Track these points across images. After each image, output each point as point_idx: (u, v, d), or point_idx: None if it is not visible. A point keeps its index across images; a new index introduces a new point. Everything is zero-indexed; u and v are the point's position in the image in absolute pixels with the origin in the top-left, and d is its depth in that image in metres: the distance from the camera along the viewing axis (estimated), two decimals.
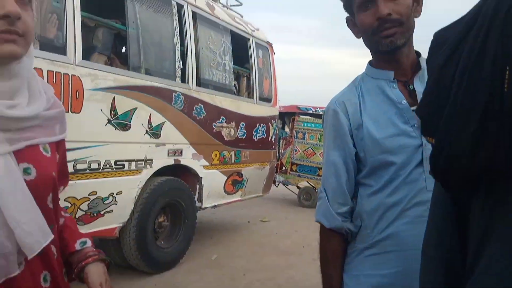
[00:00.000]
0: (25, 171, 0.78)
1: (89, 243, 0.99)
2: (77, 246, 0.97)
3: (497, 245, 0.52)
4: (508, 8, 0.48)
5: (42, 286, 0.82)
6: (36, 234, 0.77)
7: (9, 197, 0.73)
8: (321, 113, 7.78)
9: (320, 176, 7.28)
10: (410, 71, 1.12)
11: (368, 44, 1.15)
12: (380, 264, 1.09)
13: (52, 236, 0.82)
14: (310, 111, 7.87)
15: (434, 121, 0.56)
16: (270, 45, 5.35)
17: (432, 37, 0.62)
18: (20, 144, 0.78)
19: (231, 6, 5.09)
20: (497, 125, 0.48)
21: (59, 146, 0.92)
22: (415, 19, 1.09)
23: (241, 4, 5.30)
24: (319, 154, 7.44)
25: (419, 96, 1.07)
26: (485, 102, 0.49)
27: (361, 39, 1.16)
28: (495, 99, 0.48)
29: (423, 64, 1.12)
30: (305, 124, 7.66)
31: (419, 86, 1.10)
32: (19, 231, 0.74)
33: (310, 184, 7.65)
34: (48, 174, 0.83)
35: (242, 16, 5.08)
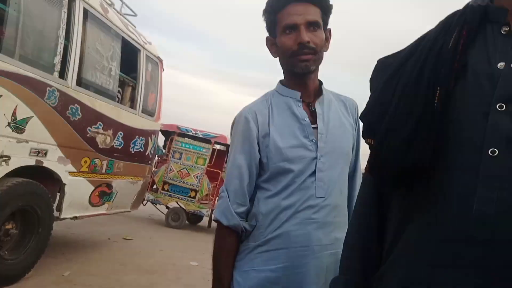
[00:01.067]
0: None
1: None
2: None
3: (409, 233, 0.64)
4: (439, 47, 0.65)
5: None
6: None
7: None
8: (201, 136, 7.90)
9: (191, 197, 7.35)
10: (313, 95, 1.31)
11: (284, 64, 1.30)
12: (270, 260, 1.20)
13: None
14: (190, 133, 7.92)
15: (375, 125, 0.68)
16: (161, 61, 5.31)
17: (376, 62, 0.77)
18: None
19: (125, 14, 4.94)
20: (427, 131, 0.61)
21: None
22: (324, 53, 1.29)
23: (135, 15, 5.19)
24: (193, 176, 7.48)
25: (319, 117, 1.27)
26: (420, 112, 0.62)
27: (277, 59, 1.31)
28: (427, 111, 0.62)
29: (324, 91, 1.33)
30: (183, 145, 7.66)
31: (319, 108, 1.29)
32: None
33: (180, 205, 7.58)
34: None
35: (135, 27, 4.97)
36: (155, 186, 7.55)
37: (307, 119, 1.26)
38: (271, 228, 1.21)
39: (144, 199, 6.69)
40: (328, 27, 1.31)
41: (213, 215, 1.30)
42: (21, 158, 3.04)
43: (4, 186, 2.92)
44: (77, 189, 3.78)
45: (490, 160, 0.58)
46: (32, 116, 3.06)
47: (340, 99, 1.38)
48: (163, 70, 5.40)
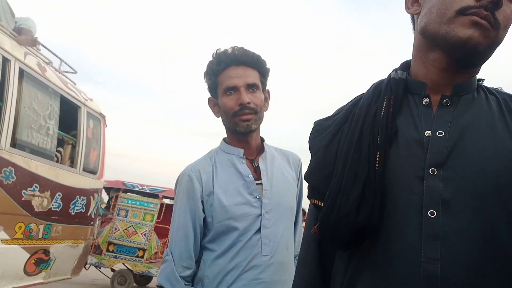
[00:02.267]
0: None
1: None
2: None
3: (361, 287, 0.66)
4: (374, 114, 0.71)
5: None
6: None
7: None
8: (148, 191, 7.67)
9: (139, 257, 6.99)
10: (255, 152, 1.35)
11: (226, 123, 1.34)
12: None
13: None
14: (137, 188, 7.68)
15: (321, 188, 0.71)
16: (103, 117, 5.23)
17: (312, 125, 0.81)
18: None
19: (64, 71, 4.89)
20: (372, 192, 0.65)
21: None
22: (264, 112, 1.35)
23: (75, 72, 5.15)
24: (141, 234, 7.15)
25: (263, 173, 1.30)
26: (365, 175, 0.66)
27: (220, 118, 1.35)
28: (371, 174, 0.66)
29: (267, 148, 1.38)
30: (130, 201, 7.38)
31: (263, 164, 1.32)
32: None
33: (127, 267, 7.14)
34: None
35: (75, 84, 4.91)
36: (99, 248, 7.10)
37: (251, 175, 1.28)
38: None
39: (86, 263, 6.25)
40: (267, 88, 1.38)
41: (157, 280, 1.22)
42: None
43: None
44: (10, 258, 3.47)
45: (430, 220, 0.62)
46: None
47: (284, 154, 1.42)
48: (106, 126, 5.31)
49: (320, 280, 0.78)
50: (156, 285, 1.24)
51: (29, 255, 3.74)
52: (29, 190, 3.64)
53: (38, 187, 3.76)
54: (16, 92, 3.47)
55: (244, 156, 1.32)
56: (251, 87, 1.29)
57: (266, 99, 1.38)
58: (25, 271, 3.74)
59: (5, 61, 3.37)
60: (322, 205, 0.71)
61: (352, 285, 0.68)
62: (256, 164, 1.32)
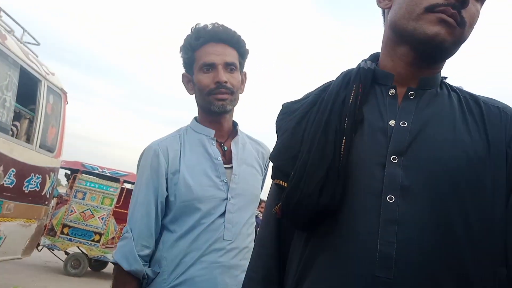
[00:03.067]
0: None
1: None
2: None
3: (316, 271, 0.68)
4: (342, 101, 0.73)
5: None
6: None
7: None
8: (108, 174, 7.46)
9: (95, 241, 6.81)
10: (226, 135, 1.32)
11: (200, 101, 1.30)
12: None
13: None
14: (96, 171, 7.44)
15: (286, 168, 0.72)
16: (65, 93, 5.02)
17: (281, 107, 0.83)
18: None
19: (26, 42, 4.64)
20: (336, 175, 0.68)
21: None
22: (240, 95, 1.32)
23: (38, 44, 4.90)
24: (98, 218, 6.96)
25: (234, 157, 1.27)
26: (330, 159, 0.68)
27: (193, 96, 1.31)
28: (335, 157, 0.69)
29: (239, 133, 1.35)
30: (88, 184, 7.14)
31: (234, 148, 1.29)
32: None
33: (82, 250, 6.93)
34: None
35: (37, 56, 4.67)
36: (52, 230, 6.84)
37: (220, 158, 1.25)
38: (175, 274, 1.15)
39: (39, 244, 6.00)
40: (244, 70, 1.35)
41: (112, 257, 1.18)
42: None
43: None
44: None
45: (388, 205, 0.65)
46: None
47: (255, 142, 1.40)
48: (67, 103, 5.09)
49: (277, 260, 0.79)
50: (111, 262, 1.19)
51: None
52: None
53: None
54: None
55: (215, 138, 1.29)
56: (229, 65, 1.26)
57: (243, 81, 1.35)
58: None
59: None
60: (286, 185, 0.72)
61: (309, 265, 0.70)
62: (225, 148, 1.30)
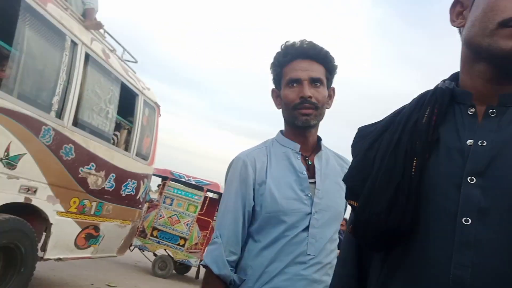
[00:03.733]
0: None
1: None
2: None
3: None
4: (414, 122, 0.73)
5: None
6: None
7: None
8: (193, 182, 7.87)
9: (180, 245, 7.17)
10: (311, 149, 1.33)
11: (286, 115, 1.34)
12: None
13: None
14: (183, 179, 7.90)
15: (357, 189, 0.74)
16: (158, 106, 5.45)
17: (357, 130, 0.85)
18: None
19: (126, 60, 5.14)
20: (405, 198, 0.67)
21: None
22: (326, 110, 1.34)
23: (136, 61, 5.40)
24: (184, 223, 7.36)
25: (317, 172, 1.28)
26: (398, 180, 0.68)
27: (274, 110, 1.37)
28: (405, 179, 0.68)
29: (323, 148, 1.35)
30: (176, 191, 7.61)
31: (318, 163, 1.30)
32: None
33: (168, 253, 7.37)
34: None
35: (135, 72, 5.15)
36: (143, 232, 7.39)
37: (305, 172, 1.26)
38: (259, 283, 1.18)
39: (131, 245, 6.53)
40: (332, 85, 1.36)
41: (203, 260, 1.23)
42: (10, 194, 3.02)
43: None
44: (63, 229, 3.71)
45: (464, 228, 0.63)
46: (25, 153, 3.08)
47: (339, 158, 1.40)
48: (160, 115, 5.52)
49: (357, 281, 0.80)
50: (201, 264, 1.25)
51: (80, 229, 3.98)
52: (86, 168, 3.87)
53: (95, 166, 3.99)
54: (81, 74, 3.70)
55: (300, 152, 1.31)
56: (315, 81, 1.28)
57: (330, 96, 1.35)
58: (75, 244, 3.98)
59: (73, 44, 3.60)
60: (357, 205, 0.74)
61: (385, 286, 0.70)
62: (310, 162, 1.31)
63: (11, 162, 2.97)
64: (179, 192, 7.60)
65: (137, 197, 4.95)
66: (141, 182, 4.97)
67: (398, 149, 0.71)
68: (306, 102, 1.26)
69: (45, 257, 3.56)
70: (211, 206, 8.09)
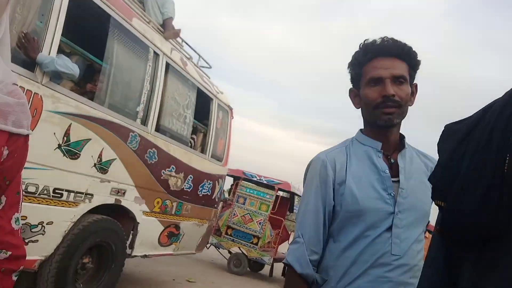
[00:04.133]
0: None
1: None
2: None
3: None
4: (508, 114, 0.68)
5: None
6: None
7: None
8: (265, 182, 7.97)
9: (254, 244, 7.30)
10: (393, 147, 1.29)
11: (366, 115, 1.30)
12: None
13: None
14: (255, 178, 8.03)
15: (445, 189, 0.71)
16: (231, 109, 5.59)
17: (443, 128, 0.81)
18: None
19: (201, 66, 5.34)
20: (498, 194, 0.64)
21: (13, 142, 0.86)
22: (409, 107, 1.28)
23: (210, 67, 5.58)
24: (256, 222, 7.48)
25: (401, 170, 1.24)
26: (490, 177, 0.65)
27: (359, 110, 1.32)
28: (497, 176, 0.65)
29: (407, 146, 1.30)
30: (248, 190, 7.77)
31: (401, 162, 1.26)
32: None
33: (242, 251, 7.55)
34: None
35: (209, 78, 5.33)
36: (219, 230, 7.65)
37: (387, 171, 1.22)
38: (342, 284, 1.16)
39: (208, 242, 6.81)
40: (415, 82, 1.30)
41: (285, 259, 1.23)
42: (102, 197, 3.30)
43: (85, 222, 3.17)
44: (149, 228, 3.97)
45: None
46: (115, 158, 3.35)
47: (424, 156, 1.33)
48: (233, 117, 5.66)
49: (447, 281, 0.76)
50: (283, 263, 1.26)
51: (163, 228, 4.23)
52: (167, 170, 4.10)
53: (175, 168, 4.21)
54: (162, 83, 3.92)
55: (382, 150, 1.26)
56: (397, 79, 1.22)
57: (413, 93, 1.29)
58: (159, 242, 4.24)
59: (156, 55, 3.82)
60: (444, 205, 0.71)
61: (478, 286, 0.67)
62: (392, 161, 1.26)
63: (103, 167, 3.24)
64: (251, 191, 7.75)
65: (213, 197, 5.13)
66: (216, 182, 5.15)
67: (489, 147, 0.67)
68: (389, 101, 1.21)
69: (133, 254, 3.84)
70: (282, 205, 8.13)
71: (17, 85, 0.90)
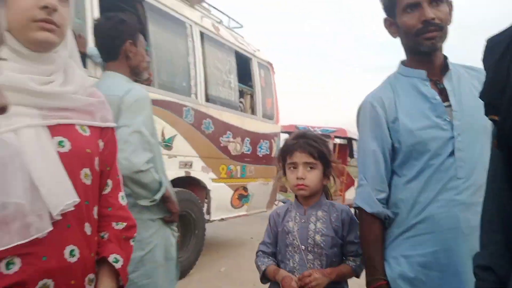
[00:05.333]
0: (60, 144, 0.86)
1: (120, 263, 0.95)
2: (110, 258, 0.94)
3: None
4: None
5: (65, 259, 0.84)
6: (61, 195, 0.82)
7: (38, 162, 0.80)
8: (319, 132, 7.93)
9: None
10: (439, 72, 1.25)
11: (407, 43, 1.26)
12: (418, 245, 1.17)
13: (78, 199, 0.85)
14: None
15: (496, 102, 0.71)
16: (271, 64, 5.55)
17: (485, 42, 0.79)
18: (53, 121, 0.85)
19: (233, 27, 5.31)
20: None
21: (104, 134, 0.99)
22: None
23: (241, 26, 5.53)
24: None
25: (450, 93, 1.20)
26: None
27: (398, 39, 1.28)
28: None
29: (451, 66, 1.25)
30: None
31: (449, 85, 1.22)
32: (45, 191, 0.80)
33: None
34: (82, 149, 0.90)
35: (243, 37, 5.30)
36: (283, 186, 7.82)
37: (437, 97, 1.20)
38: (413, 213, 1.18)
39: (276, 199, 7.01)
40: None
41: (354, 203, 1.27)
42: (173, 171, 3.51)
43: None
44: (220, 194, 4.19)
45: None
46: (176, 134, 3.52)
47: (471, 69, 1.28)
48: (275, 72, 5.63)
49: (509, 193, 0.77)
50: (353, 207, 1.30)
51: (233, 191, 4.43)
52: (224, 137, 4.24)
53: (231, 134, 4.34)
54: (201, 53, 3.98)
55: (428, 78, 1.23)
56: (434, 0, 1.17)
57: (450, 11, 1.23)
58: (232, 205, 4.46)
59: (190, 27, 3.87)
60: (498, 119, 0.70)
61: None
62: (441, 85, 1.22)
63: (168, 144, 3.43)
64: None
65: (272, 155, 5.24)
66: (272, 140, 5.23)
67: None
68: (430, 25, 1.16)
69: (211, 219, 4.10)
70: (341, 152, 8.11)
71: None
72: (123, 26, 1.72)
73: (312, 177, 1.42)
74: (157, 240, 1.69)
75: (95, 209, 0.96)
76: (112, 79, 1.70)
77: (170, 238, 1.79)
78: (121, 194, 1.04)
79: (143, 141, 1.60)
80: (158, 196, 1.64)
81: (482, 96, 0.76)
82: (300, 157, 1.43)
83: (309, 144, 1.43)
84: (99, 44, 1.80)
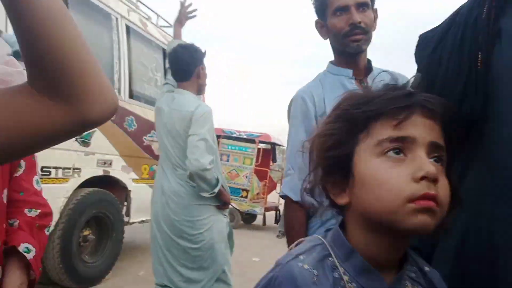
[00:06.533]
0: None
1: (32, 254, 0.87)
2: (20, 248, 0.85)
3: (471, 179, 0.72)
4: (475, 18, 0.75)
5: None
6: None
7: None
8: (245, 136, 8.06)
9: (243, 197, 7.48)
10: (363, 72, 1.36)
11: (335, 44, 1.36)
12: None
13: None
14: (234, 135, 8.11)
15: (427, 91, 0.77)
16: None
17: (418, 38, 0.87)
18: None
19: (161, 26, 5.19)
20: (473, 89, 0.71)
21: None
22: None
23: (171, 26, 5.42)
24: (243, 176, 7.64)
25: None
26: (466, 74, 0.72)
27: (327, 40, 1.37)
28: (472, 73, 0.72)
29: (375, 69, 1.38)
30: (229, 147, 7.85)
31: (371, 83, 1.33)
32: None
33: (233, 206, 7.75)
34: None
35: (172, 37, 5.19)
36: None
37: None
38: None
39: None
40: (375, 7, 1.35)
41: (281, 191, 1.33)
42: (90, 169, 3.30)
43: (79, 196, 3.19)
44: (141, 194, 4.02)
45: None
46: (95, 130, 3.31)
47: (394, 76, 1.41)
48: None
49: None
50: (280, 195, 1.36)
51: None
52: (148, 136, 4.09)
53: (155, 133, 4.20)
54: (126, 48, 3.82)
55: (353, 76, 1.34)
56: (361, 6, 1.28)
57: (375, 18, 1.35)
58: None
59: (115, 20, 3.69)
60: None
61: (464, 174, 0.74)
62: (365, 84, 1.33)
63: (85, 140, 3.22)
64: (233, 147, 7.84)
65: None
66: None
67: (463, 46, 0.73)
68: (356, 28, 1.26)
69: (131, 221, 3.92)
70: (265, 156, 8.30)
71: (11, 55, 0.90)
72: (197, 54, 2.26)
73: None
74: (212, 221, 2.20)
75: (5, 192, 0.86)
76: (184, 96, 2.24)
77: (223, 220, 2.29)
78: (36, 178, 0.95)
79: (208, 146, 2.10)
80: (216, 190, 2.14)
81: (414, 87, 0.84)
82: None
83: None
84: (175, 68, 2.28)
